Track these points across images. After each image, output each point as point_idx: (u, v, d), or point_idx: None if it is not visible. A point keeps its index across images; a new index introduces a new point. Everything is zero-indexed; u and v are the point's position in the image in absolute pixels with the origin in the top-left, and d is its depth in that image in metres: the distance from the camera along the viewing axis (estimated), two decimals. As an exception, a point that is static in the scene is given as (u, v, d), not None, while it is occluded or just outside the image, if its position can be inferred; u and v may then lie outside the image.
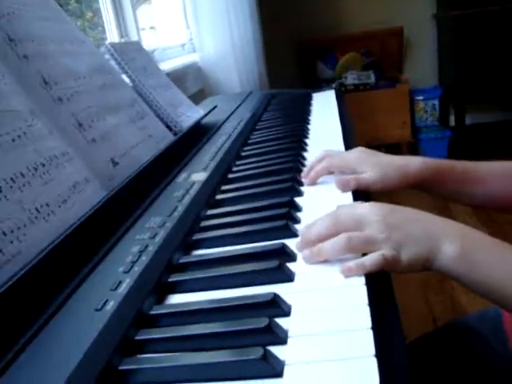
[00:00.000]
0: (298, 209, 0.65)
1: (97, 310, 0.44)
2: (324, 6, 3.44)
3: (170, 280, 0.51)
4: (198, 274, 0.51)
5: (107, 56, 1.00)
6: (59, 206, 0.55)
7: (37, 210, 0.52)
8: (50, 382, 0.35)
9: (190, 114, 1.11)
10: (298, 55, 3.55)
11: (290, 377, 0.35)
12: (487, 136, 3.36)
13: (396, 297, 0.47)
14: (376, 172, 0.70)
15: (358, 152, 0.75)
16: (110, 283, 0.47)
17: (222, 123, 1.16)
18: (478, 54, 3.02)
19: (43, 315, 0.43)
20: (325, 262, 0.50)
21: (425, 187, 0.74)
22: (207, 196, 0.71)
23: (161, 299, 0.49)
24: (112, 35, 1.80)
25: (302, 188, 0.72)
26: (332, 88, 1.64)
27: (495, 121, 3.53)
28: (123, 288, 0.46)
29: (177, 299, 0.49)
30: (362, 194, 0.68)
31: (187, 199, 0.68)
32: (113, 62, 1.01)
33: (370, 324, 0.39)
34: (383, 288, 0.47)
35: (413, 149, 3.27)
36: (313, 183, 0.74)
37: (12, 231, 0.48)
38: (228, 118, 1.22)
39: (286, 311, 0.43)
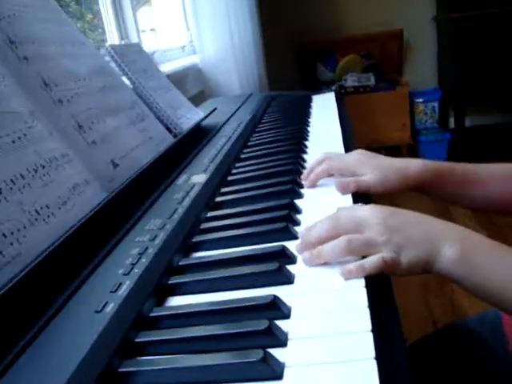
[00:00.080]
0: (297, 211, 0.65)
1: (97, 312, 0.44)
2: (324, 7, 3.44)
3: (169, 282, 0.51)
4: (198, 276, 0.51)
5: (107, 58, 1.00)
6: (59, 208, 0.55)
7: (37, 211, 0.52)
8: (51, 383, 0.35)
9: (190, 116, 1.11)
10: (297, 57, 3.55)
11: (289, 379, 0.35)
12: (487, 138, 3.37)
13: (396, 299, 0.47)
14: (376, 174, 0.70)
15: (358, 154, 0.75)
16: (110, 285, 0.47)
17: (222, 125, 1.16)
18: (477, 57, 3.02)
19: (43, 317, 0.43)
20: (325, 264, 0.50)
21: (425, 190, 0.74)
22: (207, 198, 0.71)
23: (161, 301, 0.49)
24: (112, 37, 1.80)
25: (302, 190, 0.72)
26: (332, 90, 1.64)
27: (495, 123, 3.54)
28: (123, 290, 0.46)
29: (177, 301, 0.49)
30: (361, 197, 0.68)
31: (187, 201, 0.68)
32: (113, 64, 1.01)
33: (369, 326, 0.39)
34: (383, 290, 0.47)
35: (412, 151, 3.27)
36: (313, 185, 0.74)
37: (12, 233, 0.48)
38: (228, 120, 1.22)
39: (285, 313, 0.43)
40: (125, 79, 1.01)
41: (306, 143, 0.98)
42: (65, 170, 0.60)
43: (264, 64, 2.51)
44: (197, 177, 0.78)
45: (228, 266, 0.52)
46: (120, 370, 0.38)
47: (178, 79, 1.64)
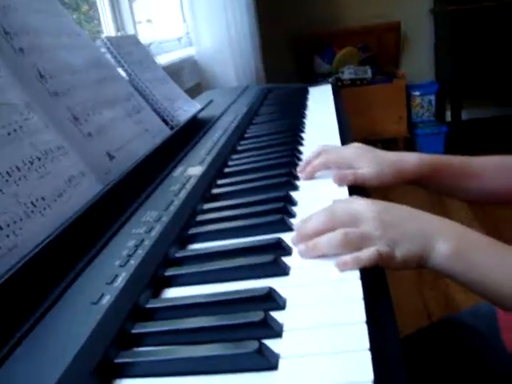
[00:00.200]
0: (293, 203, 0.65)
1: (93, 303, 0.44)
2: (321, 0, 3.43)
3: (166, 274, 0.51)
4: (194, 267, 0.51)
5: (103, 49, 1.00)
6: (55, 200, 0.55)
7: (33, 203, 0.52)
8: (47, 376, 0.36)
9: (186, 108, 1.11)
10: (294, 49, 3.54)
11: (284, 370, 0.36)
12: (483, 131, 3.37)
13: (391, 292, 0.47)
14: (372, 167, 0.70)
15: (355, 148, 0.75)
16: (106, 277, 0.48)
17: (219, 117, 1.16)
18: (474, 50, 3.02)
19: (39, 309, 0.44)
20: (320, 256, 0.50)
21: (421, 183, 0.74)
22: (203, 190, 0.71)
23: (157, 293, 0.49)
24: (108, 28, 1.79)
25: (298, 182, 0.72)
26: (329, 82, 1.64)
27: (491, 116, 3.54)
28: (119, 282, 0.47)
29: (173, 293, 0.49)
30: (357, 189, 0.68)
31: (183, 193, 0.68)
32: (109, 56, 1.00)
33: (364, 318, 0.39)
34: (378, 282, 0.48)
35: (409, 144, 3.28)
36: (309, 178, 0.74)
37: (8, 225, 0.48)
38: (224, 112, 1.22)
39: (281, 305, 0.43)
40: (121, 71, 1.00)
41: (303, 135, 0.98)
42: (60, 162, 0.60)
43: (261, 56, 2.50)
44: (193, 169, 0.78)
45: (224, 257, 0.52)
46: (116, 360, 0.39)
47: (175, 71, 1.64)
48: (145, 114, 0.92)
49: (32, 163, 0.55)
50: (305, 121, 1.10)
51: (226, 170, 0.82)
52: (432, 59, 3.52)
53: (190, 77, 1.97)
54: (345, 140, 0.90)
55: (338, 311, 0.41)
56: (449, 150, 3.18)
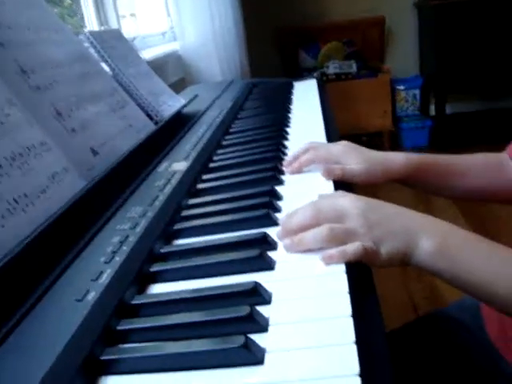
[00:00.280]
0: (278, 198, 0.65)
1: (78, 300, 0.43)
2: (306, -6, 3.43)
3: (151, 270, 0.51)
4: (180, 263, 0.51)
5: (86, 44, 0.99)
6: (38, 197, 0.55)
7: (15, 200, 0.52)
8: (32, 372, 0.35)
9: (171, 103, 1.10)
10: (279, 44, 3.54)
11: (270, 364, 0.36)
12: (467, 125, 3.40)
13: (376, 285, 0.47)
14: (360, 164, 0.71)
15: (343, 145, 0.75)
16: (91, 273, 0.47)
17: (204, 112, 1.15)
18: (458, 44, 3.04)
19: (24, 306, 0.43)
20: (305, 250, 0.51)
21: (407, 182, 0.75)
22: (188, 185, 0.70)
23: (142, 289, 0.49)
24: (91, 23, 1.77)
25: (283, 177, 0.72)
26: (314, 77, 1.64)
27: (475, 110, 3.58)
28: (104, 278, 0.46)
29: (158, 289, 0.49)
30: (342, 185, 0.68)
31: (168, 189, 0.68)
32: (92, 51, 0.99)
33: (350, 312, 0.40)
34: (363, 276, 0.48)
35: (394, 138, 3.30)
36: (295, 173, 0.74)
37: (-10, 222, 0.48)
38: (209, 107, 1.21)
39: (266, 299, 0.43)
40: (104, 66, 0.99)
41: (288, 130, 0.98)
42: (43, 158, 0.59)
43: (245, 50, 2.49)
44: (178, 164, 0.78)
45: (209, 252, 0.52)
46: (102, 357, 0.38)
47: (159, 66, 1.63)
48: (129, 109, 0.92)
49: (14, 159, 0.54)
50: (290, 115, 1.10)
51: (211, 164, 0.82)
52: (416, 53, 3.54)
53: (175, 71, 1.96)
54: (330, 134, 0.90)
55: (324, 305, 0.41)
56: (433, 143, 3.20)
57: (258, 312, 0.41)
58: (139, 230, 0.56)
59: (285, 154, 0.83)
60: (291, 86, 1.46)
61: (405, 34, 3.50)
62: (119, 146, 0.79)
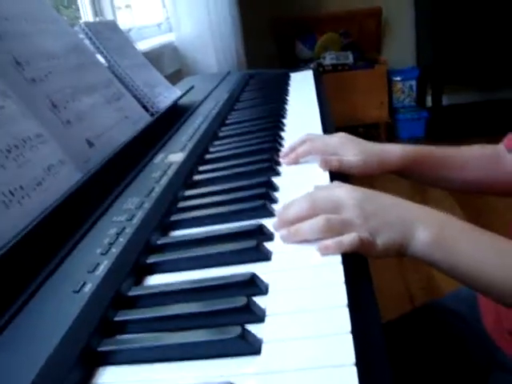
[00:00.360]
0: (275, 189, 0.65)
1: (75, 292, 0.43)
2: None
3: (148, 261, 0.51)
4: (176, 254, 0.51)
5: (81, 36, 0.98)
6: (34, 189, 0.55)
7: (11, 193, 0.51)
8: (29, 364, 0.35)
9: (167, 95, 1.10)
10: (276, 34, 3.52)
11: (267, 354, 0.36)
12: (464, 117, 3.40)
13: (372, 276, 0.47)
14: (357, 155, 0.71)
15: (340, 137, 0.75)
16: (88, 265, 0.47)
17: (200, 104, 1.15)
18: (455, 35, 3.03)
19: (21, 298, 0.43)
20: (302, 241, 0.51)
21: (404, 174, 0.75)
22: (185, 177, 0.70)
23: (139, 280, 0.49)
24: (86, 14, 1.76)
25: (280, 168, 0.72)
26: (310, 68, 1.63)
27: (472, 102, 3.57)
28: (101, 270, 0.46)
29: (155, 280, 0.49)
30: (339, 176, 0.68)
31: (165, 180, 0.68)
32: (87, 42, 0.99)
33: (346, 302, 0.40)
34: (359, 266, 0.48)
35: (390, 129, 3.29)
36: (292, 164, 0.74)
37: (-14, 214, 0.47)
38: (205, 98, 1.21)
39: (263, 290, 0.43)
40: (100, 57, 0.99)
41: (284, 121, 0.98)
42: (39, 150, 0.59)
43: (242, 41, 2.48)
44: (174, 155, 0.78)
45: (206, 243, 0.52)
46: (99, 349, 0.39)
47: (155, 57, 1.62)
48: (125, 100, 0.91)
49: (10, 152, 0.54)
50: (286, 106, 1.10)
51: (208, 156, 0.82)
52: (413, 45, 3.53)
53: (171, 63, 1.95)
54: (326, 125, 0.90)
55: (320, 295, 0.41)
56: (429, 135, 3.20)
57: (254, 303, 0.41)
58: (136, 221, 0.56)
59: (281, 145, 0.83)
60: (288, 77, 1.46)
61: (401, 25, 3.49)
62: (115, 137, 0.79)
